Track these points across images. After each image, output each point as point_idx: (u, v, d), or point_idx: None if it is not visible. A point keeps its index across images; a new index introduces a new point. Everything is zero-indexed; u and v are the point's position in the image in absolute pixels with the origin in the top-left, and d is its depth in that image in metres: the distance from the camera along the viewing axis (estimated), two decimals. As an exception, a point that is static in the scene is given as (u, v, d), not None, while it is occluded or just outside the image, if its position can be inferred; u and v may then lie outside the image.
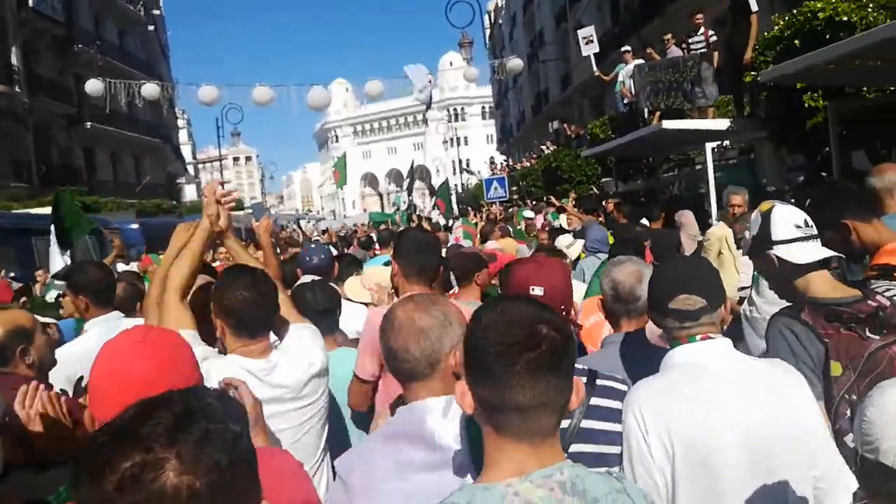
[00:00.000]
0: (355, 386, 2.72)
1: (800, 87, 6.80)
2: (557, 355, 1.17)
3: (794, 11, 7.14)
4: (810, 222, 2.04)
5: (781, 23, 7.37)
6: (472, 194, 24.99)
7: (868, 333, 1.87)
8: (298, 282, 3.62)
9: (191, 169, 55.37)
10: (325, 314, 2.98)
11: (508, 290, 2.23)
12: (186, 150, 58.99)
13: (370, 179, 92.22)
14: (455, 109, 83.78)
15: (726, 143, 9.50)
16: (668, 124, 8.30)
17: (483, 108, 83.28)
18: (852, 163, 7.34)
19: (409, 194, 19.31)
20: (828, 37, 6.21)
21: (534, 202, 16.99)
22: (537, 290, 2.08)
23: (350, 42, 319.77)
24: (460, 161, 52.04)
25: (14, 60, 25.19)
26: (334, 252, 6.06)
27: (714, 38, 9.65)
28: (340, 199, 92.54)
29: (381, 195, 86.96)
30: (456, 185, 44.52)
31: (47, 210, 8.11)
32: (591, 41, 15.17)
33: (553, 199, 13.19)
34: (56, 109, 27.43)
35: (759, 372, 1.77)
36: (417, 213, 17.85)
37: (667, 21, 19.42)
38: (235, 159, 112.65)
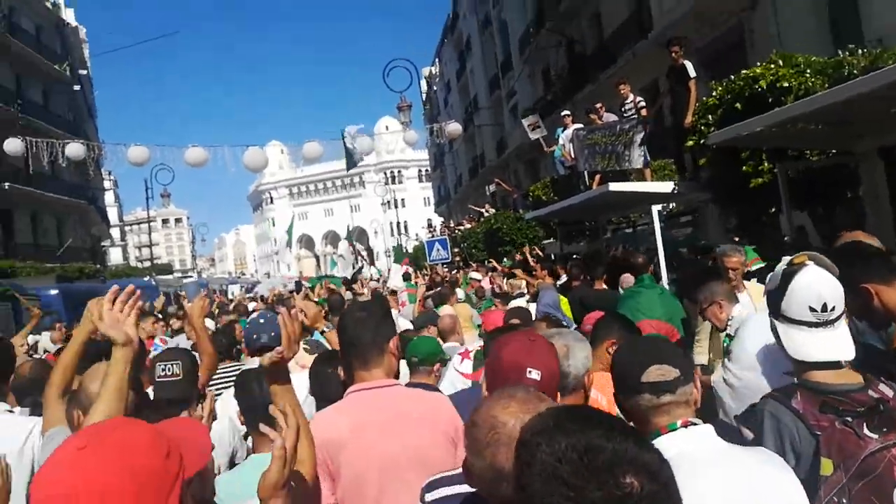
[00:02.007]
0: None
1: (742, 152, 6.93)
2: None
3: (733, 77, 7.35)
4: (832, 303, 1.81)
5: (720, 88, 7.57)
6: (412, 256, 24.77)
7: (865, 431, 1.67)
8: (245, 366, 3.15)
9: (117, 231, 53.33)
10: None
11: (498, 372, 1.88)
12: (113, 213, 56.91)
13: (306, 241, 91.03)
14: (392, 172, 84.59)
15: (671, 205, 9.63)
16: (615, 186, 8.33)
17: (420, 170, 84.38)
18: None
19: (355, 259, 18.73)
20: (769, 101, 6.37)
21: (476, 264, 16.89)
22: (534, 374, 1.79)
23: (283, 106, 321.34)
24: (398, 223, 52.06)
25: (-75, 119, 23.87)
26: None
27: (643, 104, 9.95)
28: (275, 261, 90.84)
29: (317, 257, 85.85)
30: (392, 248, 44.33)
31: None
32: (538, 126, 15.83)
33: (494, 263, 13.09)
34: (-29, 170, 25.99)
35: (747, 463, 1.59)
36: (372, 276, 17.12)
37: (598, 89, 20.20)
38: (165, 221, 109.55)
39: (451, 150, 47.36)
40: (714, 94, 7.67)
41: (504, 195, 26.45)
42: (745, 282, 4.23)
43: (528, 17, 28.36)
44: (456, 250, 20.16)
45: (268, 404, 2.27)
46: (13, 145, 16.43)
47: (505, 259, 14.84)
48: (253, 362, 3.62)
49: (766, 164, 6.57)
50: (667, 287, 7.44)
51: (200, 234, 58.62)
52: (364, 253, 18.77)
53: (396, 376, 2.29)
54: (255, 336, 3.77)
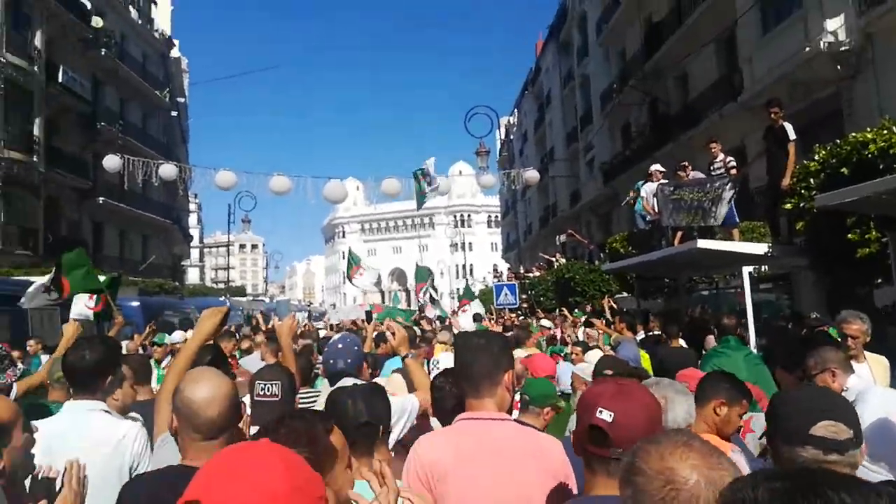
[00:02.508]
0: None
1: (846, 218, 6.60)
2: None
3: (839, 141, 7.06)
4: None
5: (823, 152, 7.28)
6: (482, 300, 24.66)
7: None
8: (336, 385, 3.10)
9: (196, 252, 55.48)
10: (366, 428, 2.28)
11: (577, 413, 1.80)
12: (195, 234, 59.37)
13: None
14: (462, 216, 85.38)
15: (764, 267, 9.25)
16: (703, 244, 8.05)
17: (489, 216, 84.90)
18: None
19: (426, 294, 18.66)
20: (881, 167, 6.07)
21: (543, 312, 16.62)
22: (605, 415, 1.65)
23: (359, 146, 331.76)
24: (465, 266, 52.09)
25: (36, 131, 25.65)
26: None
27: (733, 163, 9.72)
28: (342, 293, 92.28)
29: (382, 293, 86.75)
30: (458, 289, 44.28)
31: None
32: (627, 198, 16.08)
33: (566, 312, 12.84)
34: (70, 182, 27.66)
35: None
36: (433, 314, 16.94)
37: (679, 148, 19.86)
38: (242, 246, 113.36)
39: (524, 198, 47.42)
40: (816, 157, 7.38)
41: (574, 245, 26.13)
42: (865, 353, 3.94)
43: (612, 74, 28.40)
44: (524, 297, 19.94)
45: (360, 425, 2.21)
46: (112, 162, 17.43)
47: (576, 310, 14.56)
48: (328, 389, 3.56)
49: (873, 233, 6.22)
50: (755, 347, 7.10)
51: (275, 261, 60.42)
52: (432, 292, 18.69)
53: (509, 411, 2.20)
54: (331, 361, 3.71)
